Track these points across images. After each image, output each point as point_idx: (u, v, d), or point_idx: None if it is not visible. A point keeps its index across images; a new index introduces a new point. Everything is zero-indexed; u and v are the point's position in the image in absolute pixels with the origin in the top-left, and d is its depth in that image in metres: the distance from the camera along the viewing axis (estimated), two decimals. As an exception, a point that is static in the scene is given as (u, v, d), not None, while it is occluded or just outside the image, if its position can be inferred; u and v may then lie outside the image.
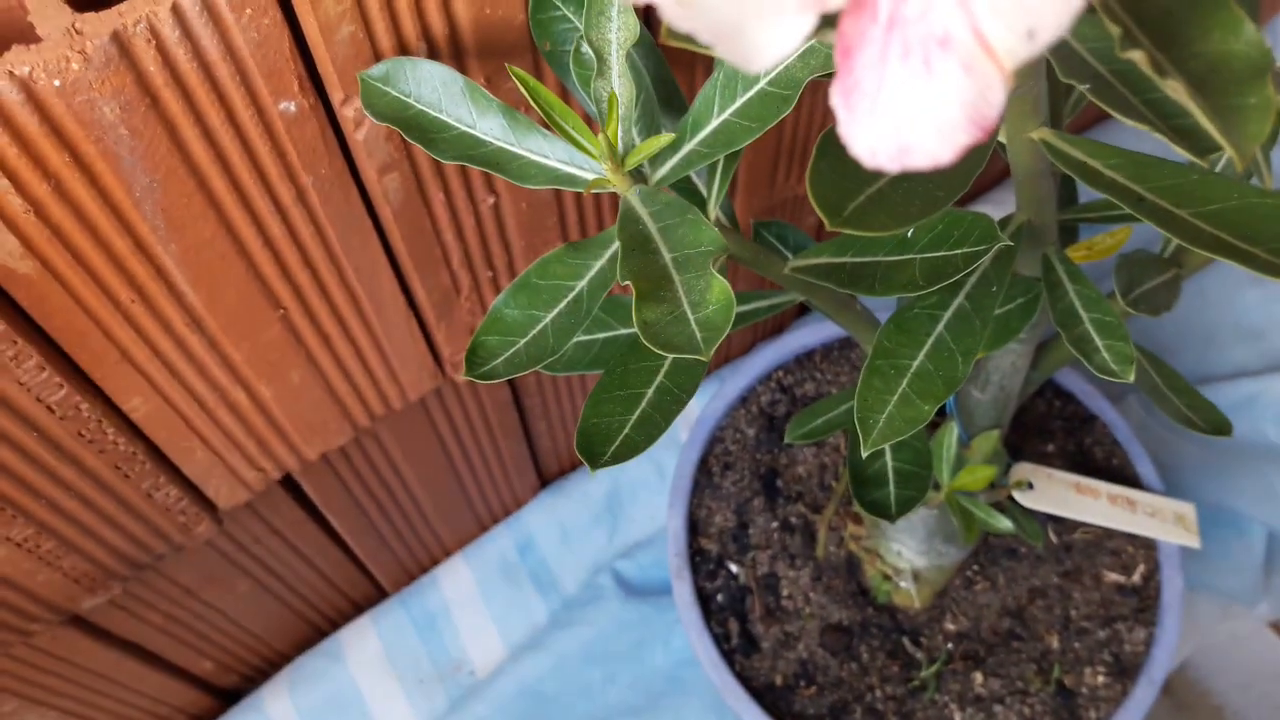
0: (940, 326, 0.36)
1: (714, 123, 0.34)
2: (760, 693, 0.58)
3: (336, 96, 0.39)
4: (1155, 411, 0.82)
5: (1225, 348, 0.86)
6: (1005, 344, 0.45)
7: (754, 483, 0.63)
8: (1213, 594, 0.81)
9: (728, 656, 0.58)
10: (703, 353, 0.28)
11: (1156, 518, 0.59)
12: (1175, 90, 0.18)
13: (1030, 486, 0.58)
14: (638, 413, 0.35)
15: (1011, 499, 0.58)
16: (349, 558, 0.69)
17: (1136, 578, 0.60)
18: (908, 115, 0.15)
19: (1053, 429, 0.64)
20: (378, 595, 0.75)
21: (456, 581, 0.75)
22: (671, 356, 0.37)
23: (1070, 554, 0.61)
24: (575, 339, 0.43)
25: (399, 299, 0.49)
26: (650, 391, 0.35)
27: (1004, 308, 0.44)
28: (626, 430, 0.34)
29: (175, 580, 0.59)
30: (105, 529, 0.48)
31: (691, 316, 0.29)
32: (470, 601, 0.75)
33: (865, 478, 0.43)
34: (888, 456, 0.43)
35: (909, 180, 0.25)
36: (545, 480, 0.77)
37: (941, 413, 0.62)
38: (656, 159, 0.36)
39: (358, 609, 0.75)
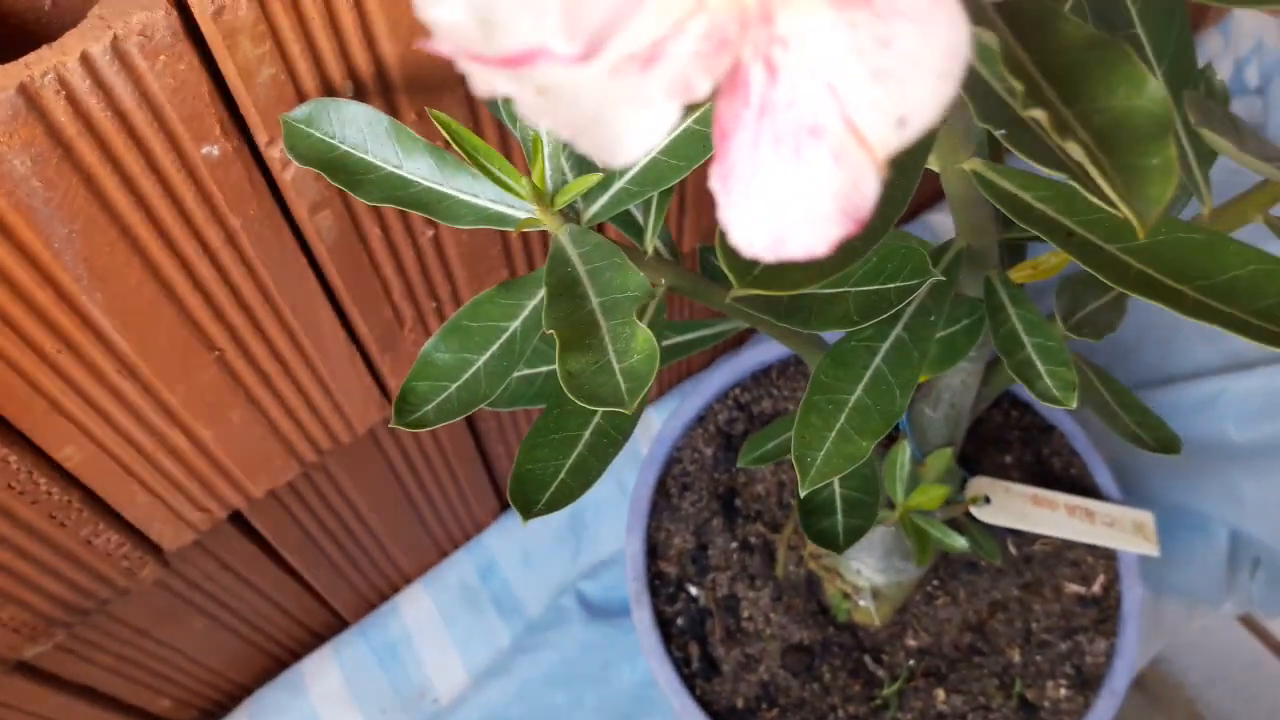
0: (878, 359, 0.35)
1: (642, 161, 0.34)
2: (722, 716, 0.57)
3: (262, 138, 0.38)
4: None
5: (1186, 347, 0.87)
6: (951, 365, 0.45)
7: (712, 503, 0.63)
8: (1179, 595, 0.81)
9: (688, 680, 0.58)
10: (626, 405, 0.27)
11: (1115, 527, 0.59)
12: (1075, 151, 0.18)
13: (987, 501, 0.58)
14: (573, 457, 0.34)
15: (969, 514, 0.58)
16: (306, 590, 0.68)
17: (1096, 588, 0.60)
18: (780, 204, 0.14)
19: (1010, 440, 0.64)
20: (338, 625, 0.74)
21: (417, 609, 0.74)
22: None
23: (1030, 566, 0.61)
24: (519, 373, 0.43)
25: (339, 334, 0.49)
26: (587, 434, 0.35)
27: (949, 330, 0.44)
28: (561, 476, 0.34)
29: (125, 621, 0.58)
30: (44, 578, 0.47)
31: (616, 366, 0.28)
32: (432, 629, 0.74)
33: (813, 506, 0.42)
34: (835, 485, 0.43)
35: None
36: (505, 502, 0.76)
37: (895, 431, 0.61)
38: (589, 196, 0.35)
39: (318, 639, 0.74)
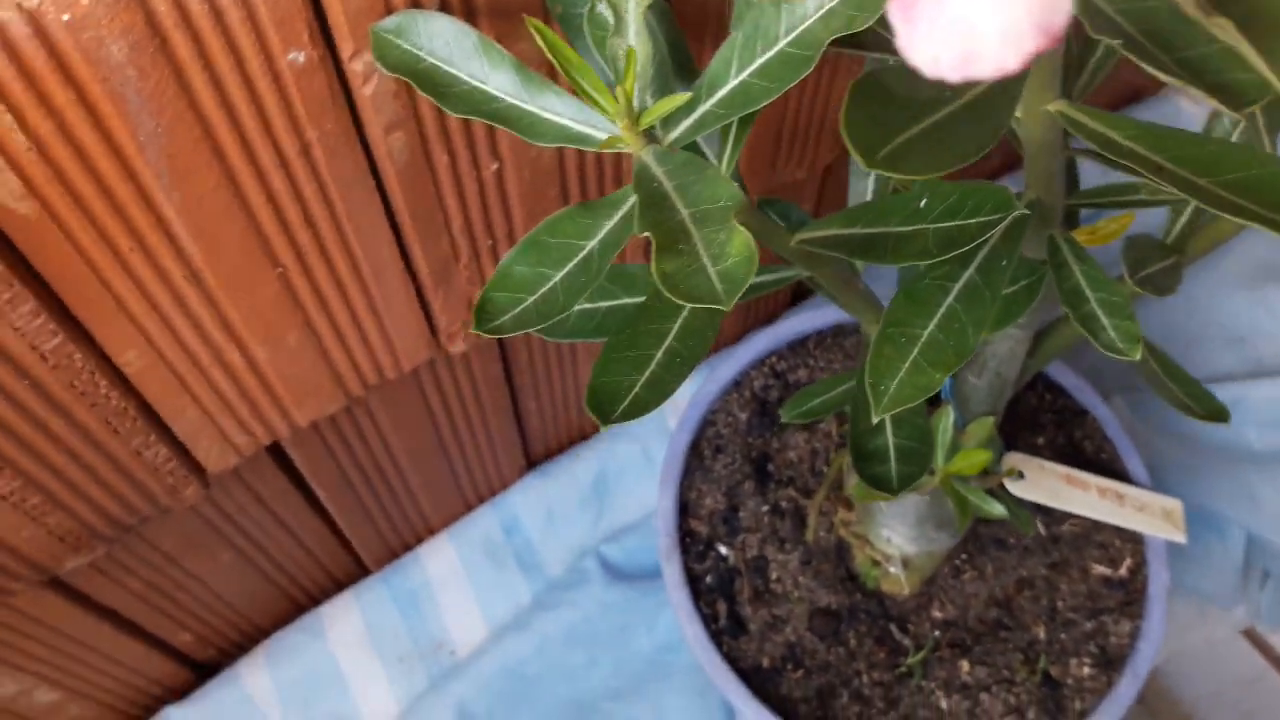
0: (950, 298, 0.36)
1: (731, 83, 0.34)
2: (747, 674, 0.57)
3: (346, 49, 0.38)
4: (1140, 412, 0.83)
5: (1210, 352, 0.87)
6: (1009, 324, 0.45)
7: (745, 466, 0.63)
8: (1192, 595, 0.81)
9: (715, 637, 0.58)
10: (724, 303, 0.28)
11: (1144, 512, 0.60)
12: (1223, 28, 0.18)
13: (1022, 476, 0.58)
14: (647, 373, 0.34)
15: (1003, 487, 0.58)
16: (333, 532, 0.69)
17: (1123, 571, 0.60)
18: (973, 22, 0.15)
19: (1044, 422, 0.65)
20: (360, 572, 0.74)
21: (440, 560, 0.74)
22: (681, 319, 0.36)
23: (1058, 546, 0.61)
24: (580, 307, 0.43)
25: (398, 264, 0.49)
26: (659, 354, 0.35)
27: (1009, 289, 0.44)
28: (637, 389, 0.34)
29: (157, 546, 0.58)
30: (93, 486, 0.47)
31: (711, 269, 0.29)
32: (453, 581, 0.74)
33: (867, 453, 0.42)
34: (888, 433, 0.43)
35: (939, 132, 0.25)
36: (532, 462, 0.77)
37: (938, 398, 0.62)
38: (669, 121, 0.36)
39: (339, 585, 0.74)
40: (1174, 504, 0.61)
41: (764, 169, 0.61)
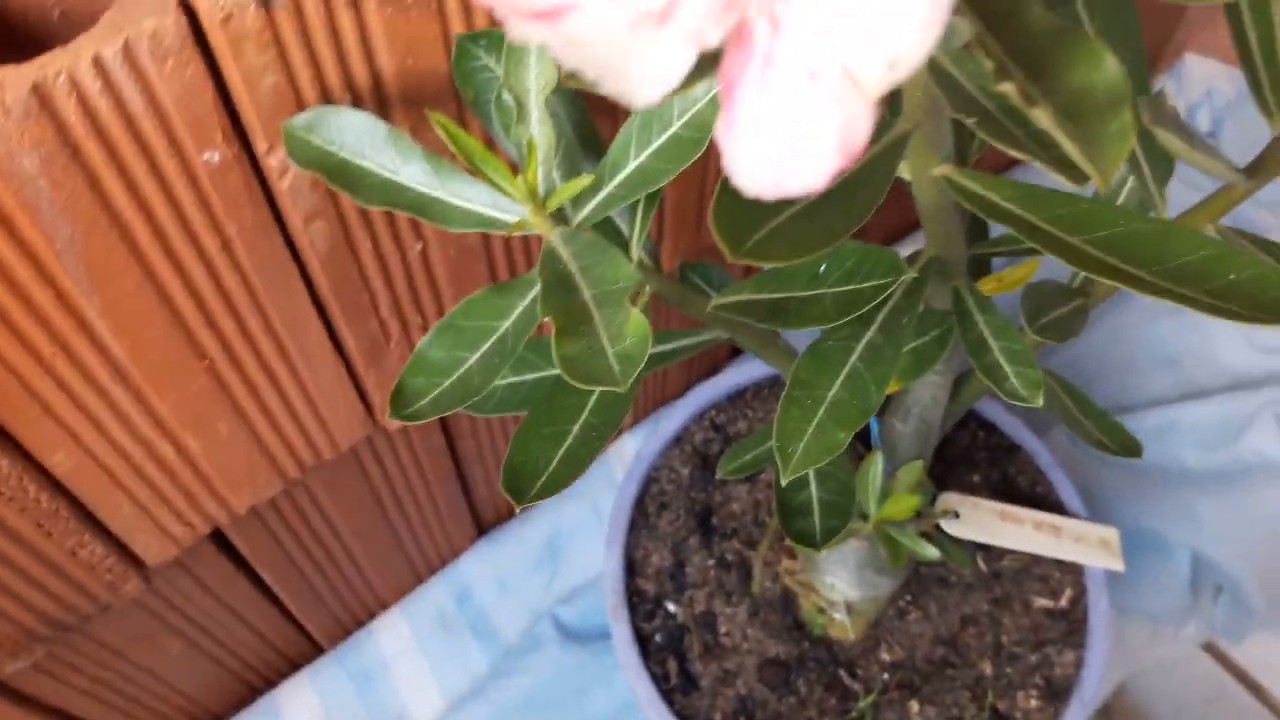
0: (854, 358, 0.37)
1: (630, 166, 0.35)
2: (700, 731, 0.58)
3: (261, 146, 0.39)
4: (1080, 441, 0.84)
5: (1143, 377, 0.89)
6: (922, 374, 0.46)
7: (690, 521, 0.64)
8: (1141, 617, 0.83)
9: (667, 696, 0.58)
10: (620, 384, 0.29)
11: (1081, 543, 0.61)
12: (1041, 118, 0.19)
13: (957, 515, 0.59)
14: (563, 449, 0.35)
15: (939, 528, 0.59)
16: (282, 613, 0.68)
17: (1064, 602, 0.62)
18: (782, 145, 0.16)
19: (977, 459, 0.66)
20: (314, 652, 0.74)
21: (394, 635, 0.74)
22: (597, 393, 0.37)
23: (999, 581, 0.62)
24: (505, 380, 0.44)
25: (327, 347, 0.50)
26: (576, 428, 0.36)
27: (919, 340, 0.46)
28: (552, 466, 0.35)
29: (102, 642, 0.58)
30: (27, 589, 0.47)
31: (610, 350, 0.30)
32: (408, 655, 0.74)
33: (791, 509, 0.43)
34: (812, 488, 0.44)
35: (808, 214, 0.26)
36: (482, 528, 0.77)
37: (867, 446, 0.63)
38: (578, 201, 0.37)
39: (294, 665, 0.74)
40: (1110, 533, 0.62)
41: (689, 231, 0.62)
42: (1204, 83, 1.00)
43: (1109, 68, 0.20)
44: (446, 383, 0.36)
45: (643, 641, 0.60)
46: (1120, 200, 0.43)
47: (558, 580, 0.76)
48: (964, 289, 0.42)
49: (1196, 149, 0.29)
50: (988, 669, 0.60)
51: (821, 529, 0.43)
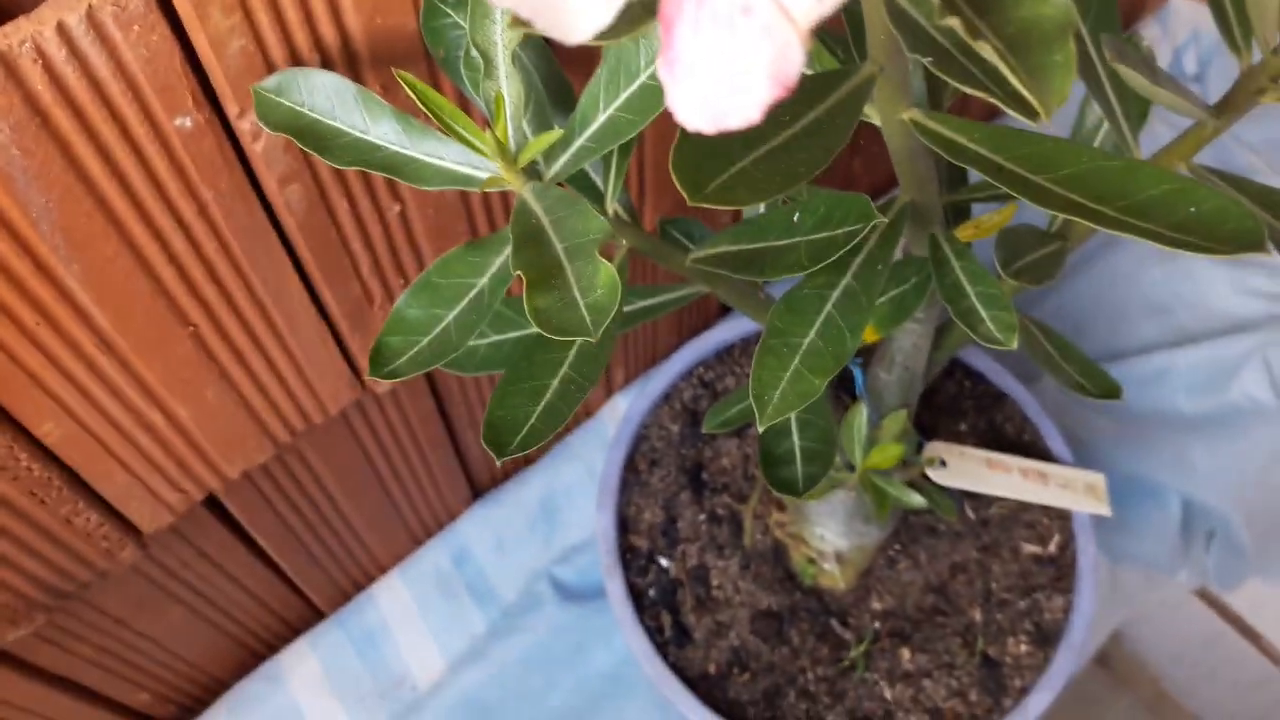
0: (829, 305, 0.37)
1: (600, 118, 0.36)
2: (695, 682, 0.58)
3: (232, 110, 0.39)
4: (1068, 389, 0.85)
5: (1135, 324, 0.90)
6: (902, 323, 0.47)
7: (680, 477, 0.64)
8: (1135, 564, 0.83)
9: (661, 649, 0.59)
10: (591, 334, 0.29)
11: (1068, 489, 0.62)
12: (986, 50, 0.19)
13: (944, 464, 0.60)
14: (543, 403, 0.36)
15: (926, 477, 0.60)
16: (281, 579, 0.69)
17: (1052, 548, 0.62)
18: (719, 79, 0.16)
19: (964, 408, 0.66)
20: (314, 615, 0.75)
21: (393, 598, 0.75)
22: (575, 347, 0.38)
23: (988, 529, 0.63)
24: (487, 340, 0.44)
25: (310, 310, 0.50)
26: (555, 382, 0.36)
27: (899, 288, 0.46)
28: (532, 420, 0.35)
29: (104, 610, 0.58)
30: (24, 557, 0.48)
31: (581, 301, 0.30)
32: (408, 617, 0.75)
33: (774, 458, 0.44)
34: (794, 436, 0.45)
35: (770, 158, 0.26)
36: (478, 490, 0.78)
37: (853, 395, 0.63)
38: (549, 155, 0.37)
39: (295, 631, 0.74)
40: (1096, 478, 0.62)
41: (672, 188, 0.62)
42: (1190, 24, 1.00)
43: (1055, 0, 0.20)
44: (424, 340, 0.36)
45: (637, 597, 0.61)
46: (1096, 142, 0.43)
47: (554, 540, 0.77)
48: (940, 235, 0.42)
49: (1162, 86, 0.29)
50: (978, 615, 0.61)
51: (804, 476, 0.43)
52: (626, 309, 0.45)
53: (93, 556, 0.51)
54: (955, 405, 0.66)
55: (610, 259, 0.34)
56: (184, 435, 0.50)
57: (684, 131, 0.27)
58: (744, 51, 0.16)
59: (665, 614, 0.61)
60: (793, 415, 0.46)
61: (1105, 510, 0.62)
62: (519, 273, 0.31)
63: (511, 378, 0.36)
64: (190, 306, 0.44)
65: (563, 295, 0.30)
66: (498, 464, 0.34)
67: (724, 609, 0.61)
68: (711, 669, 0.59)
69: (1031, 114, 0.24)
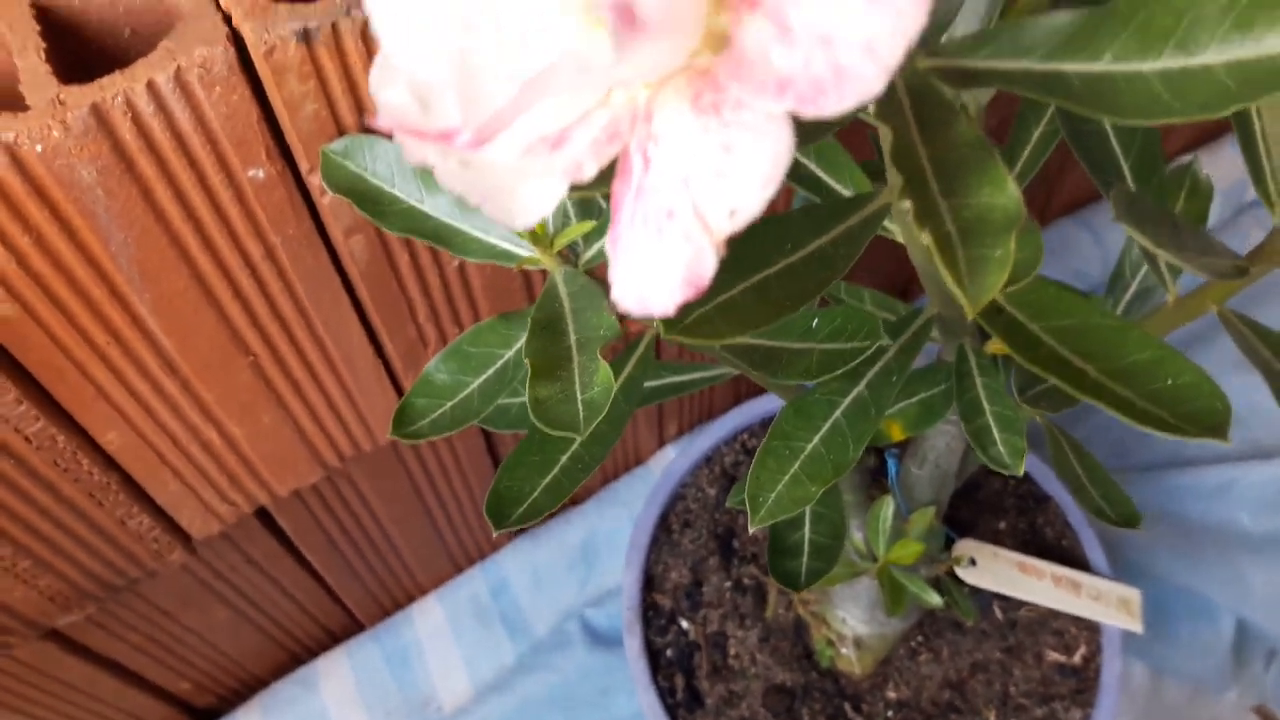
0: (838, 413, 0.38)
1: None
2: (700, 747, 0.59)
3: (304, 166, 0.42)
4: (1129, 492, 0.83)
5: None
6: (930, 425, 0.47)
7: (711, 542, 0.65)
8: (1180, 679, 0.81)
9: (671, 710, 0.60)
10: (581, 431, 0.31)
11: (1100, 601, 0.61)
12: (926, 240, 0.21)
13: (973, 563, 0.60)
14: (548, 478, 0.37)
15: (952, 574, 0.59)
16: (324, 590, 0.72)
17: (1077, 658, 0.61)
18: (645, 270, 0.18)
19: (1006, 507, 0.66)
20: (353, 627, 0.78)
21: (429, 620, 0.77)
22: (595, 426, 0.39)
23: (1014, 630, 0.62)
24: (519, 398, 0.46)
25: (367, 350, 0.53)
26: (564, 458, 0.38)
27: (928, 392, 0.47)
28: (535, 495, 0.37)
29: (154, 603, 0.62)
30: (80, 552, 0.51)
31: (579, 397, 0.32)
32: (442, 640, 0.77)
33: (783, 548, 0.45)
34: (806, 529, 0.45)
35: (763, 288, 0.28)
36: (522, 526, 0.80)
37: (884, 487, 0.64)
38: (589, 239, 0.39)
39: (334, 638, 0.77)
40: (1131, 593, 0.61)
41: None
42: None
43: (1009, 191, 0.21)
44: (448, 405, 0.38)
45: (654, 655, 0.62)
46: (1136, 279, 0.43)
47: (590, 582, 0.79)
48: (968, 347, 0.43)
49: (1165, 245, 0.29)
50: (992, 718, 0.60)
51: (808, 570, 0.44)
52: (656, 383, 0.47)
53: (143, 556, 0.54)
54: (997, 503, 0.66)
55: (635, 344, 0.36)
56: (237, 453, 0.53)
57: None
58: (665, 251, 0.17)
59: (680, 675, 0.62)
60: (809, 507, 0.47)
61: (1137, 627, 0.60)
62: (527, 359, 0.33)
63: (524, 449, 0.38)
64: (252, 338, 0.48)
65: (564, 388, 0.32)
66: (494, 534, 0.36)
67: (738, 679, 0.61)
68: (718, 736, 0.60)
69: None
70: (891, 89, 0.25)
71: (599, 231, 0.39)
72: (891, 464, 0.58)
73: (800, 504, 0.36)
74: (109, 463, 0.49)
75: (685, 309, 0.26)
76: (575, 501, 0.81)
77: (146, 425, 0.48)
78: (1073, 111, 0.24)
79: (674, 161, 0.17)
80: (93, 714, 0.66)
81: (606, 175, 0.20)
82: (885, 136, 0.23)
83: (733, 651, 0.62)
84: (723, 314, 0.26)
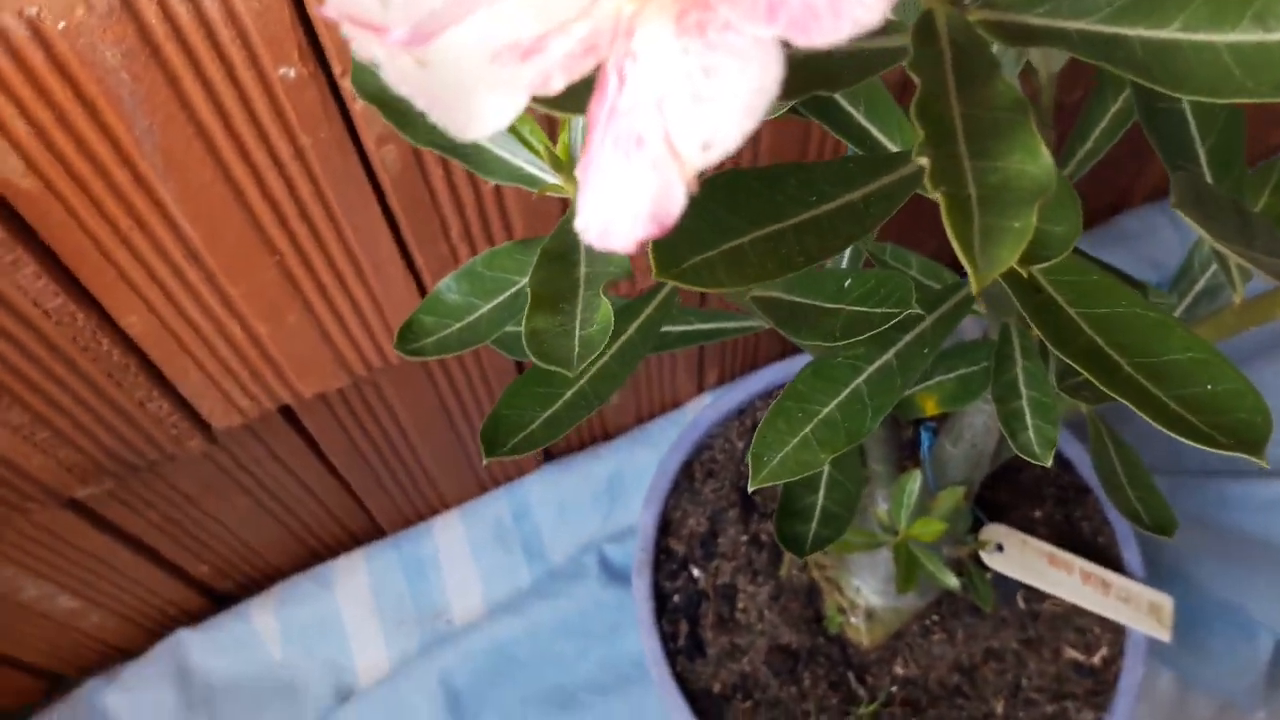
0: (860, 379, 0.36)
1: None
2: (696, 696, 0.59)
3: (336, 68, 0.41)
4: (1179, 497, 0.79)
5: (1272, 445, 0.83)
6: (964, 404, 0.45)
7: (732, 494, 0.64)
8: (1209, 692, 0.78)
9: (671, 656, 0.59)
10: (573, 368, 0.29)
11: (1130, 604, 0.58)
12: (939, 199, 0.18)
13: (1000, 549, 0.58)
14: (549, 412, 0.36)
15: (976, 557, 0.57)
16: (348, 492, 0.72)
17: (1097, 659, 0.59)
18: (610, 199, 0.16)
19: (1045, 495, 0.63)
20: (374, 531, 0.78)
21: (450, 535, 0.78)
22: (602, 361, 0.38)
23: (1035, 622, 0.60)
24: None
25: (398, 262, 0.52)
26: (568, 393, 0.37)
27: (967, 369, 0.44)
28: (534, 426, 0.36)
29: (174, 485, 0.63)
30: (98, 429, 0.52)
31: (578, 332, 0.30)
32: (460, 556, 0.78)
33: (792, 510, 0.43)
34: (820, 494, 0.44)
35: (777, 239, 0.26)
36: (550, 452, 0.79)
37: (916, 460, 0.61)
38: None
39: (354, 540, 0.78)
40: (1164, 600, 0.59)
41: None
42: None
43: (1042, 160, 0.19)
44: (455, 326, 0.37)
45: (661, 599, 0.61)
46: (1204, 278, 0.40)
47: (612, 518, 0.78)
48: (1014, 328, 0.40)
49: (1229, 240, 0.26)
50: (999, 708, 0.58)
51: (814, 537, 0.42)
52: (682, 328, 0.45)
53: (162, 440, 0.55)
54: (1035, 491, 0.63)
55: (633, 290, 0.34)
56: (261, 351, 0.53)
57: (706, 191, 0.26)
58: (633, 180, 0.16)
59: (684, 622, 0.61)
60: (826, 470, 0.45)
61: (1165, 635, 0.58)
62: (530, 287, 0.31)
63: (529, 379, 0.37)
64: (279, 237, 0.47)
65: (565, 322, 0.30)
66: (483, 462, 0.35)
67: (743, 633, 0.60)
68: (716, 688, 0.59)
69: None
70: (933, 36, 0.23)
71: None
72: (925, 438, 0.55)
73: (805, 469, 0.34)
74: (129, 345, 0.49)
75: (683, 251, 0.24)
76: (607, 436, 0.80)
77: (168, 312, 0.48)
78: (1135, 81, 0.22)
79: (650, 82, 0.15)
80: (111, 585, 0.68)
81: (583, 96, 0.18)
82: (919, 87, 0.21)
83: (741, 605, 0.61)
84: (727, 261, 0.25)
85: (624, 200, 0.16)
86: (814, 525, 0.43)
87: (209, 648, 0.74)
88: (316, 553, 0.78)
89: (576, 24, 0.17)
